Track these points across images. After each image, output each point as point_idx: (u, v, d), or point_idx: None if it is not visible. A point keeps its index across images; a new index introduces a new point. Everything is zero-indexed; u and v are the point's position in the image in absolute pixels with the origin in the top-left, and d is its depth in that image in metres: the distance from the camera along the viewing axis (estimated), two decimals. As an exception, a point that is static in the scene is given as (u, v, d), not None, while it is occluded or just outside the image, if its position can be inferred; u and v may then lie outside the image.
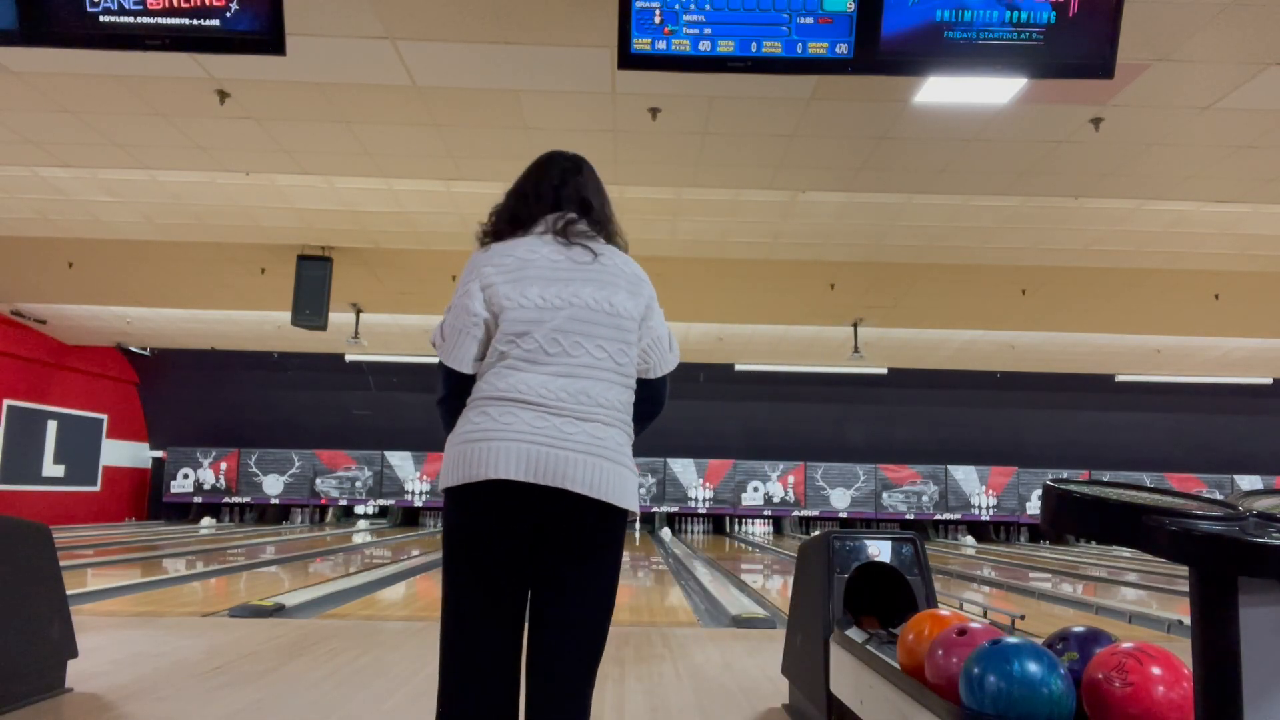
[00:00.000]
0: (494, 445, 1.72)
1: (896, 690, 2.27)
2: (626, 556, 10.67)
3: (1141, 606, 7.48)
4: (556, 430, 1.73)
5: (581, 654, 1.76)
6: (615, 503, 1.75)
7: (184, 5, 3.81)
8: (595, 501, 1.73)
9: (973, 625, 2.08)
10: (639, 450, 1.92)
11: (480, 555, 1.73)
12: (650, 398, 1.97)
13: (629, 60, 3.83)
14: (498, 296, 1.82)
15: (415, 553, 11.67)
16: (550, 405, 1.75)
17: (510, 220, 1.95)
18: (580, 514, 1.73)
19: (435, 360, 1.97)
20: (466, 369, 1.86)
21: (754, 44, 3.78)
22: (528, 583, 1.77)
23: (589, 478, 1.72)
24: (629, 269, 1.93)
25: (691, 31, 3.78)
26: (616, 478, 1.76)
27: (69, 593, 3.77)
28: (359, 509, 18.25)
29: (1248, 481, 17.66)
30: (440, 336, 1.90)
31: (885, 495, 18.12)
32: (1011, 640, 1.84)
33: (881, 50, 3.78)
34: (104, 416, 16.37)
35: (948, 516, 18.16)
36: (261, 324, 12.70)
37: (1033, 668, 1.75)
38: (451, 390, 1.90)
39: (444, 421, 1.93)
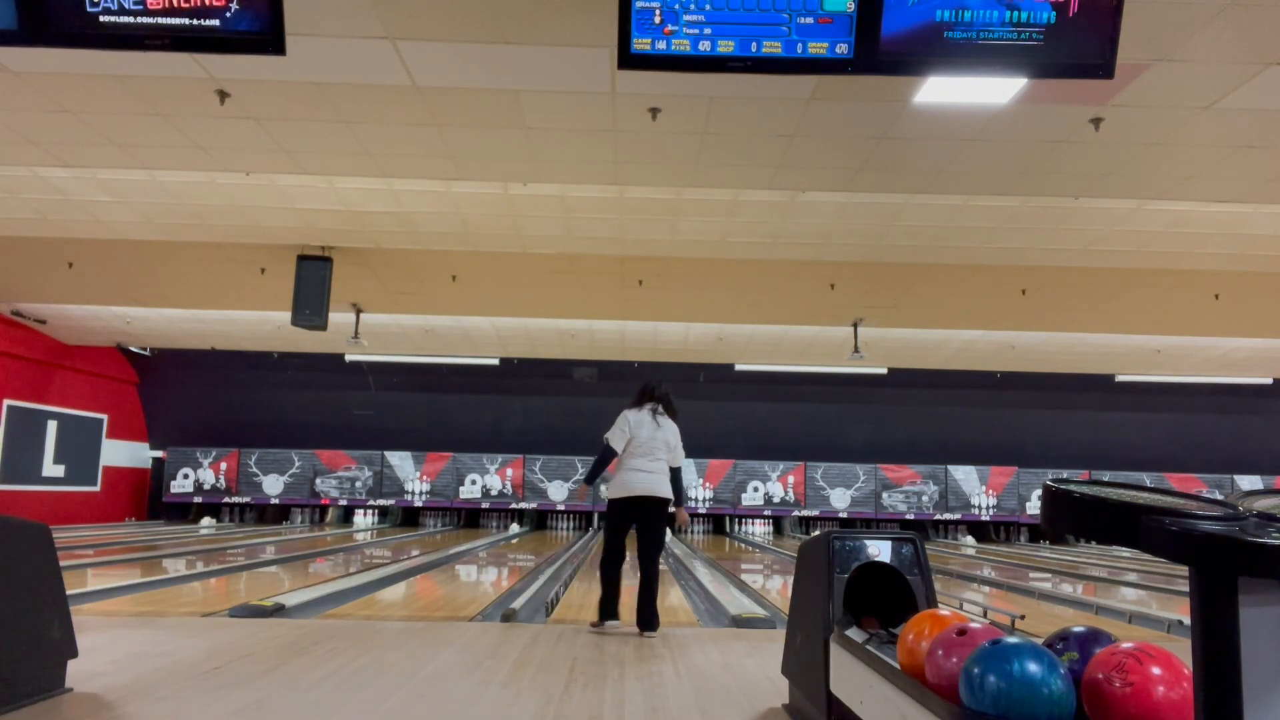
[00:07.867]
0: (632, 483, 5.38)
1: (896, 690, 2.27)
2: (627, 556, 12.27)
3: (1141, 606, 7.48)
4: (647, 478, 5.37)
5: (657, 545, 5.45)
6: (662, 496, 5.41)
7: (184, 5, 3.81)
8: (657, 497, 5.39)
9: (973, 625, 2.08)
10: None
11: (619, 514, 5.44)
12: (676, 473, 5.51)
13: (629, 60, 3.84)
14: (631, 429, 5.42)
15: (415, 553, 11.67)
16: (644, 470, 5.37)
17: (636, 402, 5.57)
18: (651, 502, 5.40)
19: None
20: (618, 450, 5.42)
21: (754, 44, 3.78)
22: (632, 524, 5.43)
23: (655, 490, 5.38)
24: (672, 427, 5.49)
25: (691, 31, 3.78)
26: (662, 489, 5.40)
27: (69, 593, 3.77)
28: (358, 514, 18.22)
29: (1248, 481, 17.65)
30: (611, 435, 5.43)
31: (885, 495, 18.11)
32: (1011, 640, 1.84)
33: (881, 50, 3.78)
34: (104, 416, 16.37)
35: (948, 516, 18.16)
36: (261, 324, 12.70)
37: (1033, 668, 1.75)
38: (608, 451, 5.44)
39: (598, 460, 5.50)
